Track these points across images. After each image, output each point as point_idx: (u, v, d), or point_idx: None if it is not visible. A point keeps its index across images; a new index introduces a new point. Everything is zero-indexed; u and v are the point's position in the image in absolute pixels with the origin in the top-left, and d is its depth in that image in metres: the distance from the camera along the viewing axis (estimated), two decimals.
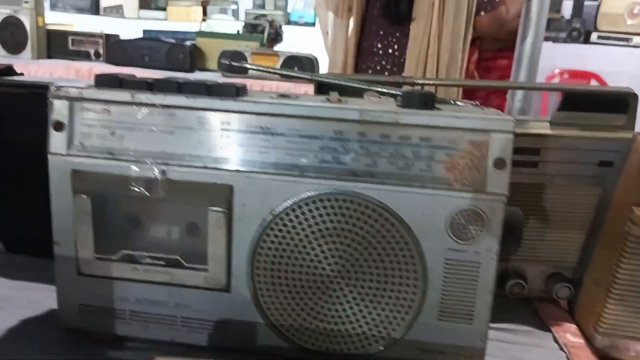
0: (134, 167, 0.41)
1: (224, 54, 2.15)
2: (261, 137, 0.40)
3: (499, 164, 0.38)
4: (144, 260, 0.42)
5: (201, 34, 2.43)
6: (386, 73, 1.79)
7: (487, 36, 1.74)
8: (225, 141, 0.40)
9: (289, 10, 3.99)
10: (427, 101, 0.40)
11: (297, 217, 0.40)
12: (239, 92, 0.41)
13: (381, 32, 1.78)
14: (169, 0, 4.04)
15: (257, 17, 3.85)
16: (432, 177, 0.39)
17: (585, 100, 0.52)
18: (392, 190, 0.39)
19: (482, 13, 1.66)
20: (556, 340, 0.49)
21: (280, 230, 0.40)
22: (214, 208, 0.41)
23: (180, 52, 2.27)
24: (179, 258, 0.42)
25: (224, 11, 3.89)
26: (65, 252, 0.43)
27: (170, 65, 2.26)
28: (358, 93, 0.48)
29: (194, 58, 2.28)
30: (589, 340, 0.48)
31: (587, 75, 3.29)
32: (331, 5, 1.88)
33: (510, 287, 0.52)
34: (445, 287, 0.40)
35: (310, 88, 2.07)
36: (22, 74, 0.67)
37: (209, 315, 0.43)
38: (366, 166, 0.39)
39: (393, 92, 0.43)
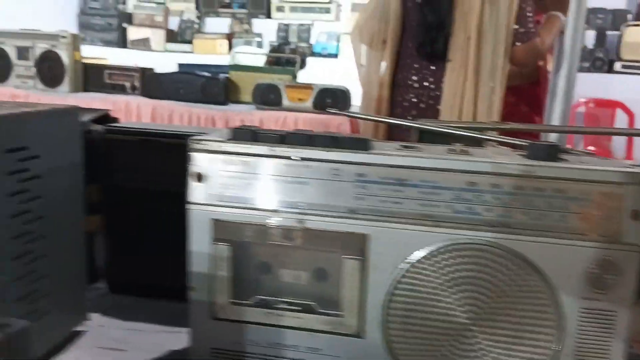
0: (272, 217, 0.43)
1: (259, 87, 2.20)
2: (395, 187, 0.42)
3: (636, 215, 0.39)
4: (279, 306, 0.44)
5: (234, 67, 2.48)
6: (422, 105, 1.81)
7: (521, 66, 1.76)
8: (360, 191, 0.42)
9: (312, 42, 4.06)
10: (553, 152, 0.42)
11: (431, 265, 0.42)
12: (367, 144, 0.43)
13: (416, 65, 1.81)
14: (195, 33, 4.13)
15: (280, 45, 3.91)
16: (566, 228, 0.40)
17: None
18: (527, 241, 0.40)
19: (518, 44, 1.69)
20: None
21: (414, 279, 0.42)
22: (349, 256, 0.43)
23: (215, 86, 2.32)
24: (314, 303, 0.44)
25: (248, 43, 3.96)
26: (201, 297, 0.44)
27: (205, 98, 2.31)
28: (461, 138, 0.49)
29: (228, 91, 2.33)
30: None
31: (612, 104, 3.30)
32: (366, 37, 1.91)
33: None
34: (581, 335, 0.41)
35: (344, 121, 2.10)
36: (117, 119, 0.70)
37: None
38: (500, 217, 0.41)
39: (517, 142, 0.45)
